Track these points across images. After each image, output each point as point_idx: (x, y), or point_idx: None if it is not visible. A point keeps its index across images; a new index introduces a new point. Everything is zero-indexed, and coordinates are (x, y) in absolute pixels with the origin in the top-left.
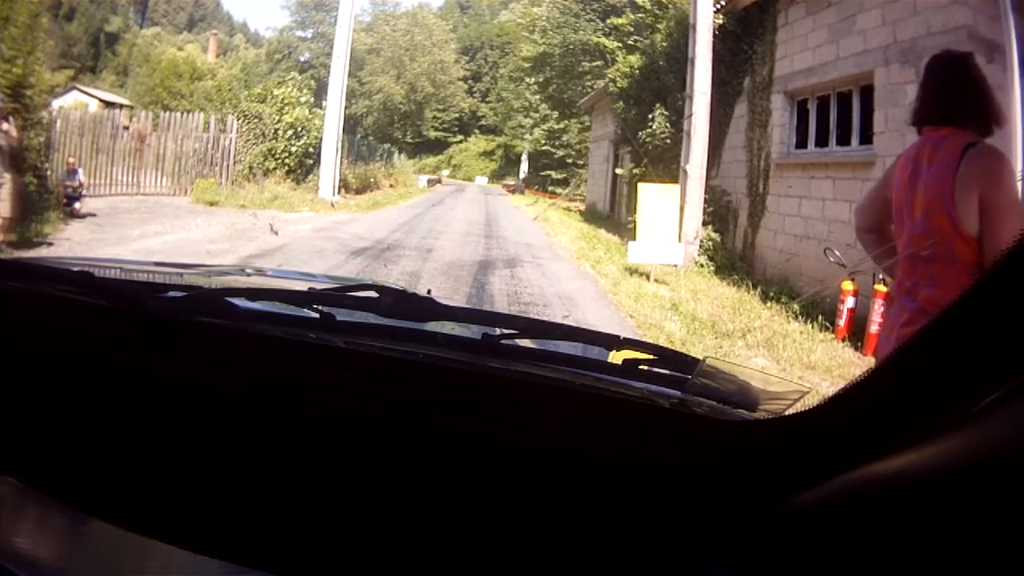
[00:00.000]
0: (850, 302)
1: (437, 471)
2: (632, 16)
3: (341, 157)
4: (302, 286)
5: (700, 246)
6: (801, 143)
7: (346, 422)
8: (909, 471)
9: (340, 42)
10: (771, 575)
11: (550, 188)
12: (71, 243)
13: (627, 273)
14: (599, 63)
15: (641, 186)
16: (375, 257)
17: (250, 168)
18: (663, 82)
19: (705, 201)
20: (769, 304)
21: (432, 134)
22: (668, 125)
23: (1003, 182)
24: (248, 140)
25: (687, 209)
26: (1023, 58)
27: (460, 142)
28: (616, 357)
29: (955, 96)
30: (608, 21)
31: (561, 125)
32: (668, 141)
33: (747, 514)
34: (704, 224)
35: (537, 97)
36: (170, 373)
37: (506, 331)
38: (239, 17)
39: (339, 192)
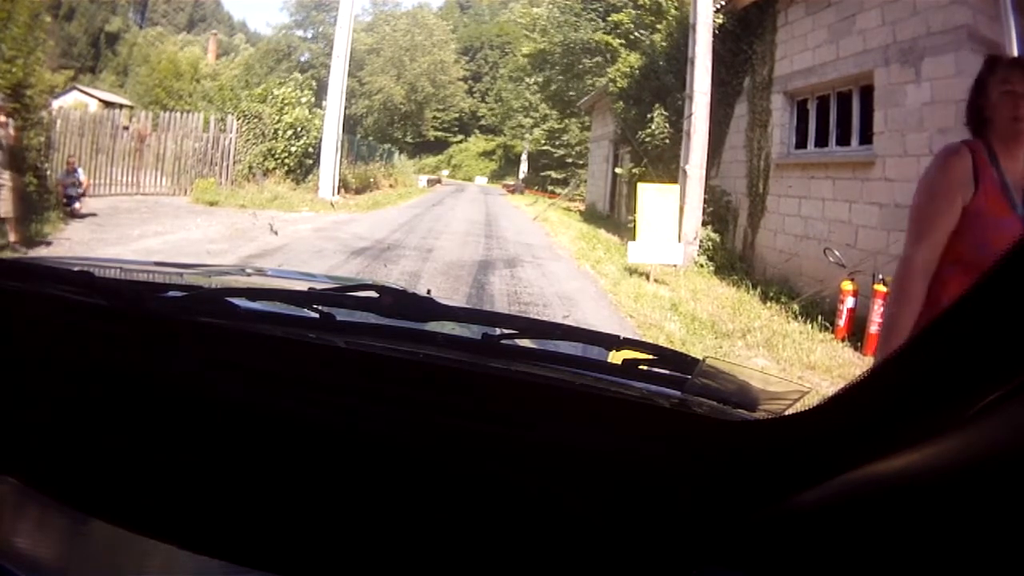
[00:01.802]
0: (850, 302)
1: (437, 471)
2: (633, 12)
3: (341, 157)
4: (302, 286)
5: (700, 246)
6: (801, 143)
7: (346, 422)
8: (909, 471)
9: (340, 42)
10: (771, 575)
11: (550, 188)
12: (71, 243)
13: (627, 273)
14: (599, 60)
15: (641, 186)
16: (375, 257)
17: (250, 168)
18: (663, 82)
19: (705, 201)
20: (769, 304)
21: (432, 134)
22: (668, 125)
23: (925, 171)
24: (248, 140)
25: (687, 209)
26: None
27: (460, 142)
28: (616, 357)
29: (969, 105)
30: (609, 18)
31: (561, 125)
32: (668, 141)
33: (747, 514)
34: (704, 224)
35: (537, 97)
36: (170, 373)
37: (506, 331)
38: (239, 17)
39: (339, 192)
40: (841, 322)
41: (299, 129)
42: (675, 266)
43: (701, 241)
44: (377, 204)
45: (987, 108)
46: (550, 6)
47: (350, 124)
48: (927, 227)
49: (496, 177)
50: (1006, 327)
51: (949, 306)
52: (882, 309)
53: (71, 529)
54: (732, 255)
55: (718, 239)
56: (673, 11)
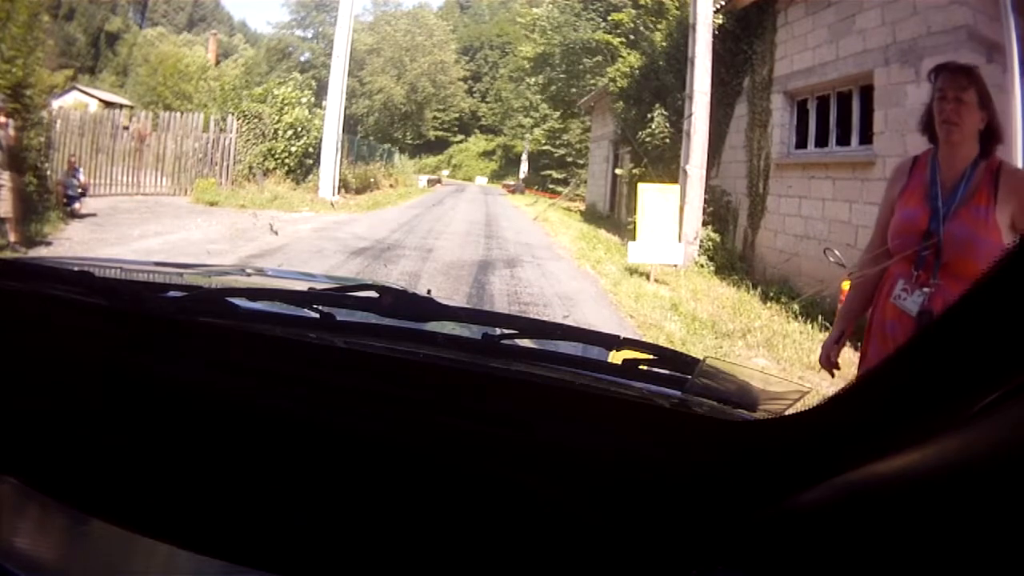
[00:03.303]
0: None
1: (437, 471)
2: (633, 12)
3: (341, 157)
4: (302, 286)
5: (700, 246)
6: (801, 143)
7: (346, 422)
8: (909, 471)
9: (340, 42)
10: (772, 575)
11: (550, 188)
12: (71, 243)
13: (627, 273)
14: (600, 60)
15: (641, 186)
16: (375, 257)
17: (250, 168)
18: (663, 82)
19: (705, 201)
20: (769, 304)
21: (432, 134)
22: (668, 125)
23: None
24: (248, 140)
25: (687, 209)
26: (1023, 58)
27: (460, 142)
28: (616, 357)
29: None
30: (610, 17)
31: (562, 125)
32: (668, 141)
33: (748, 514)
34: (704, 224)
35: (538, 97)
36: (170, 373)
37: (506, 331)
38: (239, 17)
39: (339, 192)
40: None
41: (299, 129)
42: (675, 266)
43: (701, 241)
44: (377, 204)
45: (931, 114)
46: (550, 6)
47: (351, 124)
48: (876, 226)
49: (496, 177)
50: (1005, 327)
51: (948, 307)
52: None
53: (71, 529)
54: (732, 255)
55: (718, 239)
56: (675, 11)
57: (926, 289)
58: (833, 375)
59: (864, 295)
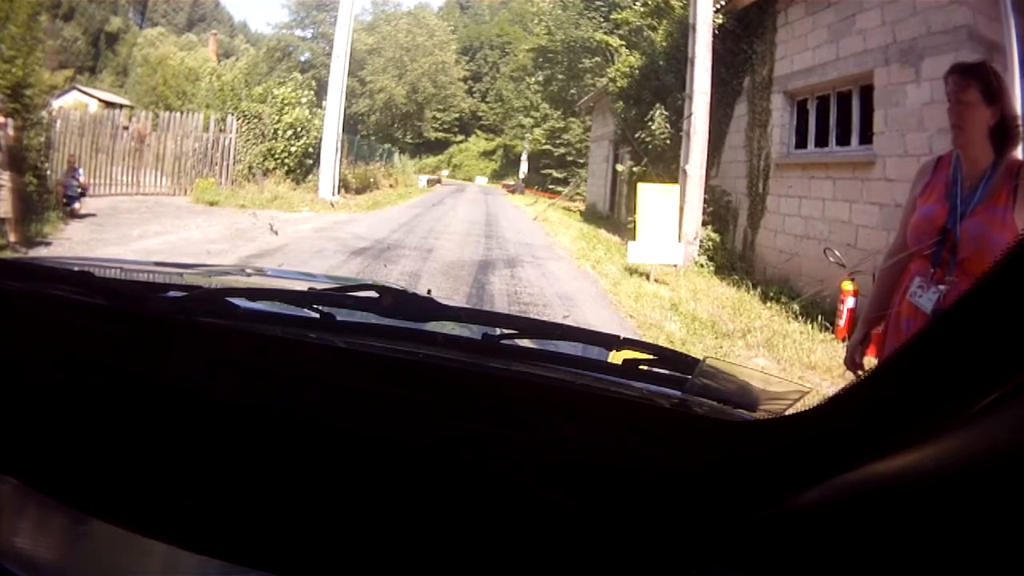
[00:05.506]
0: (850, 302)
1: (437, 471)
2: (637, 11)
3: (341, 157)
4: (302, 286)
5: (700, 246)
6: (801, 143)
7: (346, 422)
8: (909, 471)
9: (340, 42)
10: (771, 575)
11: (550, 188)
12: (71, 243)
13: (627, 273)
14: (599, 60)
15: (641, 186)
16: (375, 257)
17: (250, 168)
18: (663, 82)
19: (705, 201)
20: (769, 304)
21: (432, 134)
22: (668, 125)
23: None
24: (248, 140)
25: (687, 209)
26: (1023, 58)
27: (461, 142)
28: (616, 357)
29: None
30: (612, 17)
31: (562, 124)
32: (668, 141)
33: (747, 514)
34: (704, 224)
35: (538, 96)
36: (170, 373)
37: (506, 331)
38: (239, 17)
39: (339, 192)
40: (841, 322)
41: (299, 129)
42: (675, 266)
43: (701, 241)
44: (377, 204)
45: None
46: (552, 3)
47: (351, 124)
48: (900, 225)
49: (496, 177)
50: (1005, 328)
51: (948, 307)
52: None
53: (71, 529)
54: (732, 255)
55: (718, 239)
56: (680, 10)
57: (941, 286)
58: (858, 376)
59: (887, 295)
